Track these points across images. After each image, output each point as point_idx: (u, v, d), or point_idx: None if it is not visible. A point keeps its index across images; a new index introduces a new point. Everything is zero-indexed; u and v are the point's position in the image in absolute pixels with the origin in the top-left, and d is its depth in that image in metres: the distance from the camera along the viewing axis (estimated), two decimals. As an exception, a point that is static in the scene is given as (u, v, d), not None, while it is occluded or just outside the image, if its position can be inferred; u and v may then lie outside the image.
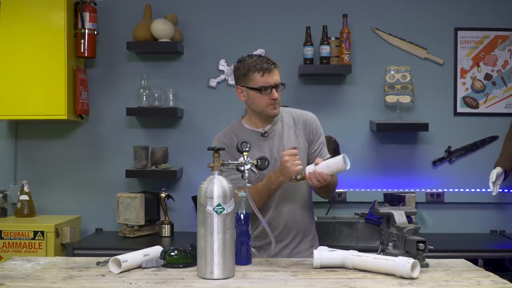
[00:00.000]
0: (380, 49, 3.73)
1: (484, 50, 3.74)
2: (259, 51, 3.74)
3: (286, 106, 2.75)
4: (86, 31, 3.55)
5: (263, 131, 2.50)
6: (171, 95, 3.63)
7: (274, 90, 2.41)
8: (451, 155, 3.73)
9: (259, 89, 2.40)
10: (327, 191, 2.48)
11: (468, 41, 3.74)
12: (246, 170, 2.26)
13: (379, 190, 3.67)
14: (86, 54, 3.57)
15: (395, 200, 3.45)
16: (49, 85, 3.44)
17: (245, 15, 3.77)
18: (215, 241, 1.92)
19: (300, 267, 2.08)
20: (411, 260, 1.91)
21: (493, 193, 3.38)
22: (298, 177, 2.27)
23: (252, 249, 2.18)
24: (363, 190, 3.70)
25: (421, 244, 2.02)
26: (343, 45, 3.55)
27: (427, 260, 2.09)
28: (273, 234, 2.32)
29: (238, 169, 2.28)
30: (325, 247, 2.13)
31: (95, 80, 3.77)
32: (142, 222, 3.46)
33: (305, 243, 2.50)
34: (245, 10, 3.77)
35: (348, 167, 2.19)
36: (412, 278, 1.90)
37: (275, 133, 2.49)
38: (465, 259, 2.26)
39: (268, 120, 2.48)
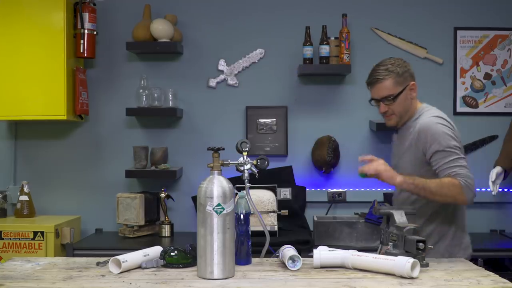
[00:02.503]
0: (379, 49, 3.72)
1: (483, 50, 3.74)
2: (258, 51, 3.74)
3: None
4: (86, 31, 3.54)
5: (397, 130, 2.59)
6: (170, 95, 3.63)
7: (381, 103, 2.45)
8: (450, 155, 3.73)
9: (371, 101, 2.53)
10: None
11: (467, 40, 3.74)
12: (245, 170, 2.27)
13: (379, 190, 3.66)
14: (85, 55, 3.56)
15: (395, 199, 3.45)
16: (48, 85, 3.44)
17: (244, 15, 3.77)
18: (215, 241, 1.92)
19: (300, 267, 2.07)
20: (411, 260, 1.91)
21: (493, 193, 3.38)
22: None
23: None
24: (363, 189, 3.70)
25: (421, 244, 2.02)
26: (342, 44, 3.55)
27: (427, 260, 2.09)
28: (269, 234, 2.35)
29: (238, 169, 2.29)
30: (325, 247, 2.13)
31: (94, 80, 3.77)
32: (142, 222, 3.46)
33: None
34: (244, 10, 3.77)
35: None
36: (412, 278, 1.90)
37: (401, 135, 2.54)
38: (465, 258, 2.26)
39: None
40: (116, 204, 3.50)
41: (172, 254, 2.09)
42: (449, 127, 2.36)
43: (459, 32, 3.74)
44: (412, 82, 2.47)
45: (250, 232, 2.19)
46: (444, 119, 2.40)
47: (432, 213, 2.42)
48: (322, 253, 2.07)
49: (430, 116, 2.40)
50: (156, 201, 3.58)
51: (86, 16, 3.55)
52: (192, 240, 2.11)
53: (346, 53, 3.54)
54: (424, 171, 2.37)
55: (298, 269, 2.05)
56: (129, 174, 3.56)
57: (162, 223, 3.54)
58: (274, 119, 3.74)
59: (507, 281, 1.90)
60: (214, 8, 3.78)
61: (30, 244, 3.31)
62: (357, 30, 3.67)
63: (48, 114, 3.46)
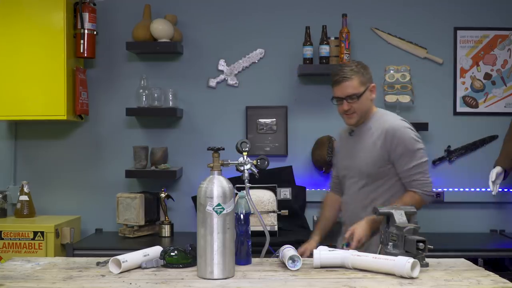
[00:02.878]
0: (379, 49, 3.73)
1: (483, 50, 3.74)
2: (258, 51, 3.74)
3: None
4: (86, 31, 3.54)
5: (351, 130, 2.65)
6: (170, 95, 3.63)
7: (345, 101, 2.53)
8: (450, 155, 3.73)
9: (333, 99, 2.59)
10: None
11: (467, 40, 3.74)
12: (245, 170, 2.27)
13: (379, 189, 3.66)
14: (85, 55, 3.56)
15: (395, 199, 3.45)
16: (48, 85, 3.44)
17: (244, 15, 3.77)
18: (215, 241, 1.92)
19: (300, 267, 2.07)
20: (411, 260, 1.91)
21: (493, 193, 3.38)
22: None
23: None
24: (363, 189, 3.69)
25: (421, 244, 2.02)
26: (342, 44, 3.55)
27: (427, 260, 2.09)
28: (269, 234, 2.36)
29: (238, 169, 2.29)
30: (325, 247, 2.13)
31: (94, 80, 3.77)
32: (142, 222, 3.46)
33: None
34: (244, 10, 3.77)
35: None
36: (412, 278, 1.90)
37: (358, 135, 2.60)
38: (465, 258, 2.26)
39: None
40: (116, 204, 3.50)
41: (172, 254, 2.09)
42: (415, 132, 2.55)
43: (459, 32, 3.74)
44: (372, 84, 2.60)
45: (250, 232, 2.19)
46: (409, 123, 2.58)
47: None
48: (322, 253, 2.07)
49: (397, 120, 2.56)
50: (156, 201, 3.58)
51: (86, 16, 3.55)
52: (192, 240, 2.11)
53: (346, 53, 3.54)
54: (382, 170, 2.53)
55: (298, 269, 2.05)
56: (129, 174, 3.56)
57: (162, 223, 3.54)
58: (274, 119, 3.74)
59: (507, 281, 1.90)
60: (214, 8, 3.78)
61: (30, 244, 3.31)
62: (357, 30, 3.67)
63: (48, 114, 3.46)
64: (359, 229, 2.41)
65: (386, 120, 2.56)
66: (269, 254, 2.37)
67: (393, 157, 2.49)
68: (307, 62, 3.59)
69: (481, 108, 3.74)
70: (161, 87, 3.66)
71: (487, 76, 3.74)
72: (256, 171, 2.29)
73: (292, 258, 2.06)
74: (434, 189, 2.55)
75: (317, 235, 2.71)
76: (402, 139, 2.48)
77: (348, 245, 2.39)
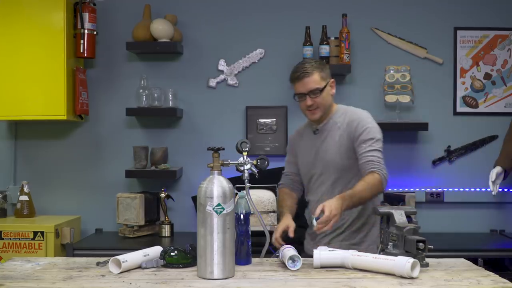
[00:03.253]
0: (379, 49, 3.73)
1: (483, 50, 3.74)
2: (258, 51, 3.74)
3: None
4: (86, 31, 3.55)
5: (315, 129, 2.64)
6: (170, 95, 3.63)
7: (308, 97, 2.55)
8: (450, 155, 3.73)
9: (295, 96, 2.61)
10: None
11: (467, 40, 3.74)
12: (245, 170, 2.27)
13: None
14: (85, 55, 3.56)
15: (395, 199, 3.45)
16: (48, 85, 3.44)
17: (244, 15, 3.77)
18: (215, 241, 1.92)
19: (300, 267, 2.07)
20: (411, 260, 1.91)
21: (493, 193, 3.38)
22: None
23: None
24: (363, 189, 3.69)
25: (421, 244, 2.02)
26: (342, 44, 3.55)
27: (427, 260, 2.09)
28: (269, 234, 2.37)
29: (238, 169, 2.29)
30: (325, 247, 2.13)
31: (94, 80, 3.77)
32: (142, 222, 3.46)
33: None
34: (244, 10, 3.77)
35: None
36: (412, 278, 1.90)
37: (324, 132, 2.61)
38: (465, 258, 2.26)
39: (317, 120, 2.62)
40: (116, 204, 3.50)
41: (172, 254, 2.09)
42: (376, 123, 2.56)
43: (459, 32, 3.74)
44: (332, 80, 2.62)
45: (250, 232, 2.19)
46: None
47: (362, 208, 2.55)
48: (322, 253, 2.07)
49: (362, 111, 2.60)
50: (156, 201, 3.58)
51: (86, 16, 3.55)
52: (192, 240, 2.11)
53: (346, 53, 3.54)
54: (353, 162, 2.52)
55: (298, 269, 2.05)
56: (129, 174, 3.56)
57: (162, 223, 3.54)
58: (274, 119, 3.74)
59: (507, 281, 1.90)
60: (214, 8, 3.78)
61: (30, 244, 3.31)
62: (357, 30, 3.67)
63: (48, 114, 3.46)
64: (329, 203, 2.25)
65: (351, 113, 2.59)
66: (269, 254, 2.37)
67: (356, 144, 2.49)
68: (307, 62, 3.58)
69: (481, 108, 3.74)
70: (161, 87, 3.66)
71: (487, 76, 3.74)
72: (256, 171, 2.29)
73: (292, 258, 2.06)
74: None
75: (288, 213, 2.63)
76: (366, 127, 2.50)
77: (318, 219, 2.21)
